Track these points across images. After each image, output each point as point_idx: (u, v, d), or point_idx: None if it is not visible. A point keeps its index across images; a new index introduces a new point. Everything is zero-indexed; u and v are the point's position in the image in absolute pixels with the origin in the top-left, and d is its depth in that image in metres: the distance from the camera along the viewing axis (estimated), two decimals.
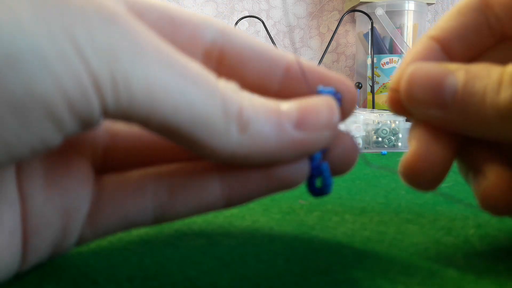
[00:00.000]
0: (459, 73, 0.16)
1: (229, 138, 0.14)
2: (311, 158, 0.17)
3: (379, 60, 0.98)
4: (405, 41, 0.99)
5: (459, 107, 0.16)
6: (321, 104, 0.16)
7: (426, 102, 0.17)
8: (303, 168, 0.17)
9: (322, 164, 0.18)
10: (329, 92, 0.18)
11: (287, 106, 0.16)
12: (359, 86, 0.97)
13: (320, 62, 0.97)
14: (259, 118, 0.15)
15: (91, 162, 0.18)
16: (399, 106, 0.18)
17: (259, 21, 1.04)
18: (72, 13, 0.12)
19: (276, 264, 0.18)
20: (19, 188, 0.15)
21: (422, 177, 0.17)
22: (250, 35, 0.18)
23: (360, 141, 0.53)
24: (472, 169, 0.18)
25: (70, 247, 0.17)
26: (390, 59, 0.98)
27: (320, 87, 0.18)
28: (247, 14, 1.07)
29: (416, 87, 0.17)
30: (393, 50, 0.99)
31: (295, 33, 1.14)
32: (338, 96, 0.18)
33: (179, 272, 0.17)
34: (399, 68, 0.19)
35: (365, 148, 0.54)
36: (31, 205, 0.15)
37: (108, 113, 0.13)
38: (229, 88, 0.15)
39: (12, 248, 0.15)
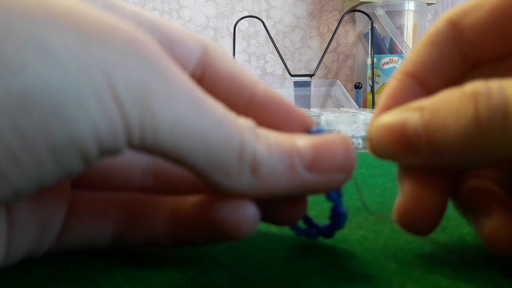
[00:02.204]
0: (418, 114, 0.16)
1: (241, 179, 0.15)
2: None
3: (379, 60, 0.98)
4: (405, 41, 0.99)
5: (429, 149, 0.15)
6: (337, 144, 0.16)
7: (398, 153, 0.16)
8: (251, 224, 0.16)
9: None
10: (319, 132, 0.18)
11: (302, 142, 0.16)
12: (359, 86, 0.98)
13: (320, 62, 0.97)
14: (272, 161, 0.15)
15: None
16: (375, 154, 0.18)
17: (259, 21, 1.04)
18: (112, 54, 0.13)
19: (273, 263, 0.18)
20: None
21: (418, 223, 0.17)
22: (229, 56, 0.19)
23: (360, 141, 0.53)
24: (471, 209, 0.18)
25: (37, 256, 0.18)
26: (390, 59, 0.98)
27: (314, 128, 0.18)
28: (247, 14, 1.07)
29: (383, 141, 0.16)
30: (393, 50, 0.99)
31: (295, 33, 1.14)
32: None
33: (177, 272, 0.17)
34: (374, 114, 0.18)
35: (365, 148, 0.54)
36: (15, 217, 0.16)
37: (132, 147, 0.14)
38: (247, 130, 0.15)
39: None
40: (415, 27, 1.01)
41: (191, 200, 0.18)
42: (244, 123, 0.15)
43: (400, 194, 0.17)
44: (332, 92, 0.96)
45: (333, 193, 0.18)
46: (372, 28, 0.96)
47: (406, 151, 0.16)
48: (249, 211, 0.16)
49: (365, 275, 0.17)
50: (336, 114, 0.67)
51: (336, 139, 0.16)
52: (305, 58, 1.15)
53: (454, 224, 0.22)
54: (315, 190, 0.16)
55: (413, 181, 0.17)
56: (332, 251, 0.19)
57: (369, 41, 0.98)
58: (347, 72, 1.16)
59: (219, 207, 0.16)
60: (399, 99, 0.18)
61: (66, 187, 0.18)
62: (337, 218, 0.19)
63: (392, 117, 0.16)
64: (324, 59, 1.10)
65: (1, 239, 0.16)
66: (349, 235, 0.21)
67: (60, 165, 0.13)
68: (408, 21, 1.01)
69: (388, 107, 0.18)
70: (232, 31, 1.01)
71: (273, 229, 0.22)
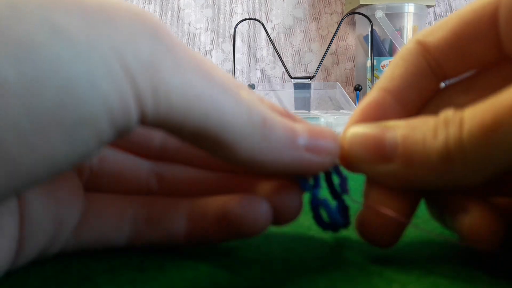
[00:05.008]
0: (397, 127, 0.17)
1: (251, 143, 0.15)
2: (311, 193, 0.18)
3: (379, 62, 0.99)
4: (405, 43, 0.99)
5: (403, 159, 0.16)
6: (327, 133, 0.18)
7: (370, 160, 0.17)
8: (263, 219, 0.17)
9: (323, 200, 0.19)
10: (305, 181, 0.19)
11: (299, 127, 0.17)
12: (359, 88, 0.98)
13: (320, 64, 0.97)
14: (278, 131, 0.16)
15: (80, 179, 0.19)
16: (345, 161, 0.19)
17: (259, 23, 1.05)
18: (120, 30, 0.13)
19: (273, 264, 0.18)
20: (18, 197, 0.16)
21: (378, 236, 0.18)
22: None
23: None
24: (447, 210, 0.18)
25: (52, 254, 0.18)
26: (390, 61, 0.98)
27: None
28: (247, 17, 1.08)
29: (358, 147, 0.18)
30: (393, 52, 0.99)
31: (295, 35, 1.14)
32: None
33: (178, 274, 0.17)
34: (347, 124, 0.19)
35: None
36: (29, 212, 0.16)
37: (146, 122, 0.14)
38: (251, 99, 0.16)
39: (8, 251, 0.16)
40: (415, 30, 1.01)
41: (208, 199, 0.18)
42: (247, 93, 0.16)
43: (363, 204, 0.18)
44: (332, 94, 0.96)
45: (324, 200, 0.19)
46: (372, 30, 0.97)
47: (379, 159, 0.17)
48: (263, 207, 0.17)
49: (366, 275, 0.17)
50: (336, 117, 0.67)
51: (325, 129, 0.18)
52: (305, 61, 1.15)
53: None
54: (310, 168, 0.17)
55: (378, 191, 0.18)
56: (332, 252, 0.20)
57: (369, 44, 0.98)
58: (347, 75, 1.16)
59: (235, 204, 0.17)
60: (373, 112, 0.19)
61: (76, 183, 0.19)
62: (341, 186, 0.19)
63: (371, 128, 0.18)
64: (324, 62, 1.10)
65: (11, 235, 0.16)
66: (349, 236, 0.21)
67: (74, 147, 0.12)
68: (408, 24, 1.01)
69: (362, 120, 0.19)
70: (232, 34, 1.01)
71: (273, 230, 0.22)
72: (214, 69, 0.15)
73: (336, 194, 0.20)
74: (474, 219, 0.17)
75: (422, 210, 0.26)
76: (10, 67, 0.11)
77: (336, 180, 0.19)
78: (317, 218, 0.19)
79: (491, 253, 0.17)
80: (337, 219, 0.19)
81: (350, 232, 0.22)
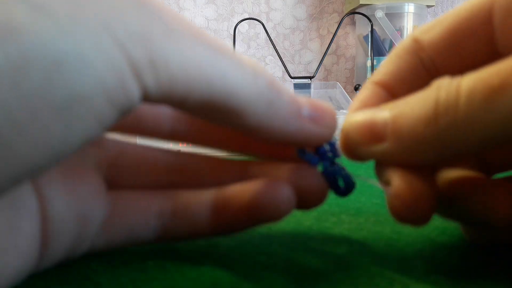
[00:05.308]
0: (388, 107, 0.17)
1: (258, 108, 0.15)
2: (323, 167, 0.19)
3: (378, 62, 0.99)
4: None
5: (393, 135, 0.16)
6: (325, 106, 0.18)
7: (364, 142, 0.17)
8: (286, 204, 0.18)
9: (334, 167, 0.19)
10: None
11: (302, 99, 0.17)
12: (359, 88, 0.98)
13: (320, 64, 0.97)
14: (284, 98, 0.16)
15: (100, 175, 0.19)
16: (346, 150, 0.19)
17: (259, 23, 1.05)
18: (103, 2, 0.12)
19: (275, 264, 0.18)
20: (38, 195, 0.16)
21: (416, 213, 0.17)
22: None
23: None
24: (461, 198, 0.18)
25: (80, 254, 0.18)
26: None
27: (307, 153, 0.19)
28: (247, 16, 1.08)
29: (353, 132, 0.18)
30: None
31: (295, 35, 1.15)
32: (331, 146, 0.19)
33: (180, 273, 0.17)
34: (346, 117, 0.20)
35: None
36: (51, 211, 0.16)
37: (149, 97, 0.13)
38: (254, 62, 0.16)
39: (30, 252, 0.16)
40: (414, 30, 1.01)
41: (230, 188, 0.19)
42: (249, 59, 0.16)
43: (390, 188, 0.17)
44: (332, 94, 0.96)
45: (336, 166, 0.19)
46: (372, 30, 0.97)
47: (373, 140, 0.17)
48: (285, 192, 0.17)
49: (367, 276, 0.17)
50: (336, 116, 0.66)
51: (323, 103, 0.18)
52: (305, 60, 1.15)
53: (454, 226, 0.22)
54: (314, 139, 0.18)
55: (401, 173, 0.17)
56: (333, 252, 0.20)
57: (369, 43, 0.98)
58: (347, 74, 1.16)
59: (258, 189, 0.17)
60: (369, 104, 0.20)
61: (98, 179, 0.18)
62: (349, 186, 0.19)
63: (364, 112, 0.18)
64: (324, 61, 1.10)
65: (31, 236, 0.16)
66: (350, 236, 0.21)
67: (69, 127, 0.12)
68: (408, 23, 1.01)
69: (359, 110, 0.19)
70: (232, 34, 1.01)
71: (275, 231, 0.22)
72: (207, 34, 0.15)
73: (330, 160, 0.20)
74: (496, 198, 0.17)
75: None
76: None
77: (327, 147, 0.20)
78: (335, 186, 0.19)
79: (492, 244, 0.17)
80: (351, 180, 0.19)
81: (352, 232, 0.22)
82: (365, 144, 0.17)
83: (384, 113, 0.17)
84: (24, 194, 0.16)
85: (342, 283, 0.16)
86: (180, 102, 0.14)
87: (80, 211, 0.17)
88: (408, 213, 0.17)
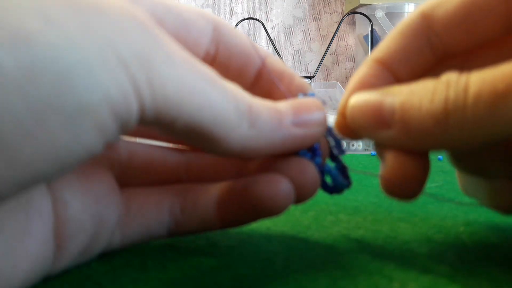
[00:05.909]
0: (396, 93, 0.17)
1: (241, 133, 0.16)
2: (317, 165, 0.19)
3: None
4: None
5: (401, 124, 0.17)
6: (312, 104, 0.18)
7: (370, 126, 0.18)
8: (286, 199, 0.18)
9: (325, 166, 0.19)
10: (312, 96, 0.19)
11: (283, 106, 0.18)
12: None
13: (320, 64, 0.98)
14: (264, 116, 0.16)
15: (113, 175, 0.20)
16: (345, 129, 0.19)
17: (259, 23, 1.05)
18: (112, 22, 0.13)
19: (274, 263, 0.18)
20: (52, 197, 0.16)
21: (404, 189, 0.18)
22: (237, 31, 0.21)
23: (360, 143, 0.54)
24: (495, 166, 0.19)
25: (97, 253, 0.18)
26: None
27: (301, 96, 0.20)
28: (247, 16, 1.08)
29: (359, 115, 0.18)
30: None
31: (295, 35, 1.15)
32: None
33: (180, 273, 0.18)
34: (344, 94, 0.19)
35: (365, 150, 0.54)
36: (67, 212, 0.16)
37: (144, 116, 0.14)
38: (236, 89, 0.16)
39: (43, 255, 0.16)
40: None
41: (232, 182, 0.19)
42: (230, 84, 0.16)
43: (383, 164, 0.18)
44: (332, 94, 0.96)
45: (327, 165, 0.20)
46: (372, 30, 0.97)
47: (378, 125, 0.17)
48: (284, 186, 0.18)
49: (366, 273, 0.17)
50: (336, 116, 0.67)
51: (310, 101, 0.18)
52: (305, 60, 1.15)
53: (450, 224, 0.23)
54: (303, 142, 0.18)
55: (395, 152, 0.18)
56: (332, 250, 0.20)
57: (369, 43, 0.98)
58: (347, 74, 1.16)
59: (256, 184, 0.18)
60: (369, 83, 0.19)
61: (111, 179, 0.19)
62: (337, 186, 0.20)
63: (371, 94, 0.18)
64: (324, 61, 1.10)
65: (43, 238, 0.16)
66: (348, 234, 0.22)
67: (75, 137, 0.12)
68: None
69: (358, 90, 0.19)
70: None
71: (274, 229, 0.22)
72: (199, 62, 0.15)
73: (333, 156, 0.20)
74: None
75: (421, 208, 0.26)
76: (6, 53, 0.11)
77: (332, 142, 0.20)
78: (323, 184, 0.20)
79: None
80: (340, 180, 0.20)
81: (350, 231, 0.22)
82: (369, 128, 0.18)
83: (392, 100, 0.17)
84: (35, 198, 0.16)
85: (341, 281, 0.17)
86: (170, 124, 0.14)
87: (96, 211, 0.17)
88: (397, 191, 0.18)
